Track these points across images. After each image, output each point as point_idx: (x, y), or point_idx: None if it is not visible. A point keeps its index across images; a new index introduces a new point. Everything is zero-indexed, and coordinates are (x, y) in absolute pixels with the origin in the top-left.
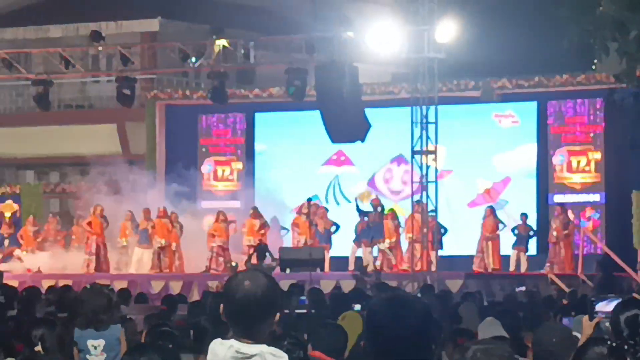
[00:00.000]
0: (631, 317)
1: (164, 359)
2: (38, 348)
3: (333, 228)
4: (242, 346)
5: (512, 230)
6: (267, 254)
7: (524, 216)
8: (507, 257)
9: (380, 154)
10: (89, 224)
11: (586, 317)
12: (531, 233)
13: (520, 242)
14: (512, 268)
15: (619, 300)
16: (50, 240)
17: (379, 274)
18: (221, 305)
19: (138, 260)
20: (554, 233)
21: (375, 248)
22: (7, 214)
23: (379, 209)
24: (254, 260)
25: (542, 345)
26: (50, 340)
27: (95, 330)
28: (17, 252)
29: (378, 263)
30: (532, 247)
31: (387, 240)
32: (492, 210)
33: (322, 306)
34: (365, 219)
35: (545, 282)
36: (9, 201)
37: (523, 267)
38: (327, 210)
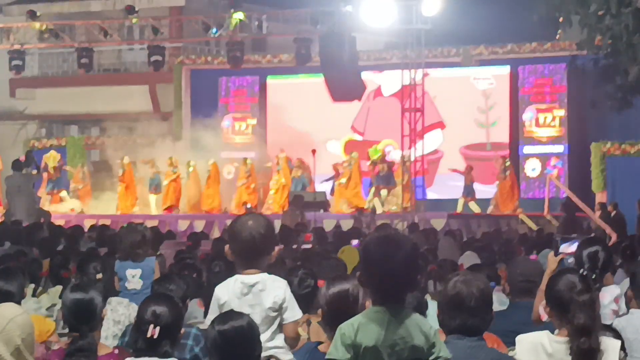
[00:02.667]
0: (593, 252)
1: (189, 286)
2: (99, 276)
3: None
4: (245, 277)
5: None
6: None
7: (469, 168)
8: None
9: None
10: (124, 174)
11: (552, 253)
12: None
13: (467, 191)
14: (459, 209)
15: (580, 241)
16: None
17: (374, 214)
18: (226, 247)
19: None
20: (497, 180)
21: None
22: (51, 164)
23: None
24: None
25: (515, 275)
26: (103, 271)
27: (133, 262)
28: (63, 193)
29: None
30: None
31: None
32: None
33: (324, 242)
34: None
35: (516, 222)
36: (52, 151)
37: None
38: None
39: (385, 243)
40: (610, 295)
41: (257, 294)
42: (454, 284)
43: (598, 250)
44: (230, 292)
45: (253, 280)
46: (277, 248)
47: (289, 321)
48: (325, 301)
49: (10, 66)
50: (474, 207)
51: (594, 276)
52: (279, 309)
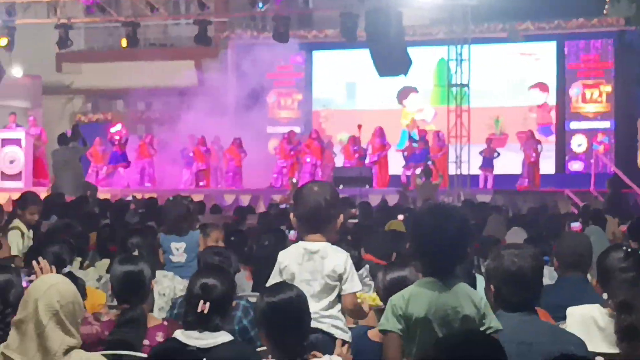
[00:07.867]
0: None
1: (239, 259)
2: (135, 253)
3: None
4: (308, 244)
5: (480, 153)
6: None
7: (490, 141)
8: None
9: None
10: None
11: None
12: (495, 155)
13: (487, 164)
14: (481, 185)
15: None
16: None
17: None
18: (291, 215)
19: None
20: (533, 154)
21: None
22: (117, 136)
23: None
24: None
25: (564, 250)
26: (144, 247)
27: (177, 235)
28: (120, 169)
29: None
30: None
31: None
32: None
33: (370, 217)
34: (415, 145)
35: (561, 197)
36: (119, 125)
37: (489, 185)
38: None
39: (437, 214)
40: None
41: (318, 261)
42: (511, 259)
43: None
44: (291, 257)
45: (315, 248)
46: (341, 216)
47: (348, 292)
48: (382, 286)
49: (56, 40)
50: None
51: None
52: (339, 279)
